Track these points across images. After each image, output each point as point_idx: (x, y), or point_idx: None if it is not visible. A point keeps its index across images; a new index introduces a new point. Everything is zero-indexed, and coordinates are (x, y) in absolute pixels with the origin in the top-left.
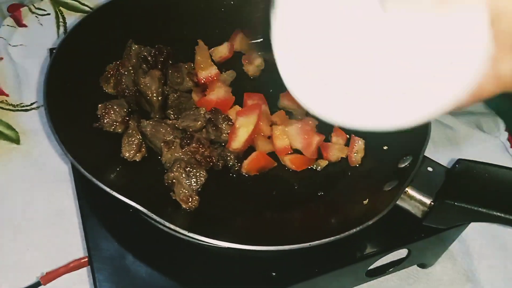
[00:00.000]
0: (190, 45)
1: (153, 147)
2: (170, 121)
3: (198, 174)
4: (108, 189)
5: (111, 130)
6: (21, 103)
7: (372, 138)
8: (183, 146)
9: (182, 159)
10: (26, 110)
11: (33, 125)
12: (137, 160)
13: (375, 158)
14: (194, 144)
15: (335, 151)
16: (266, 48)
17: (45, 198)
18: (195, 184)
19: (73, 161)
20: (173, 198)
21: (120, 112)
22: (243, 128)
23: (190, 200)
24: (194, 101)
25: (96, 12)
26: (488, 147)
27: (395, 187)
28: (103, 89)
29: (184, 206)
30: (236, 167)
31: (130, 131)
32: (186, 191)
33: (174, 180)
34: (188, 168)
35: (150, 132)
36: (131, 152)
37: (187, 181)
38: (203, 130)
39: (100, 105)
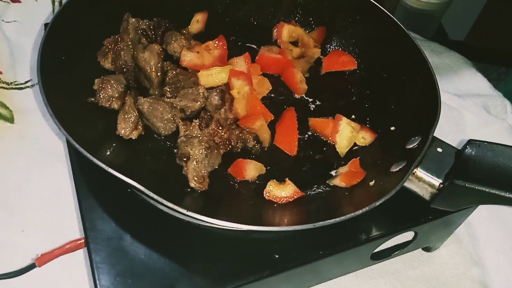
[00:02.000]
0: (190, 17)
1: (150, 125)
2: (168, 99)
3: (215, 157)
4: (105, 166)
5: (107, 105)
6: (15, 81)
7: (379, 119)
8: (201, 128)
9: (202, 139)
10: (21, 89)
11: (28, 104)
12: (133, 138)
13: (382, 139)
14: (213, 126)
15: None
16: None
17: (41, 178)
18: (208, 166)
19: (68, 136)
20: (183, 172)
21: (118, 88)
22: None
23: (202, 181)
24: (193, 80)
25: None
26: (496, 130)
27: (402, 168)
28: (101, 64)
29: (194, 185)
30: (256, 148)
31: (126, 108)
32: (204, 171)
33: (190, 156)
34: (209, 150)
35: (147, 110)
36: (127, 129)
37: (204, 162)
38: (222, 110)
39: (97, 80)
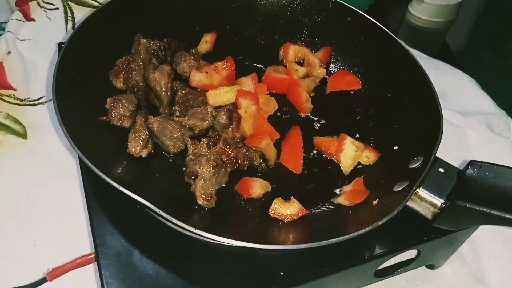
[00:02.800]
0: (199, 38)
1: (159, 143)
2: (177, 118)
3: (222, 175)
4: (115, 184)
5: (119, 124)
6: (28, 98)
7: (382, 138)
8: (209, 147)
9: (210, 157)
10: (34, 105)
11: (41, 120)
12: (143, 156)
13: (386, 158)
14: (220, 145)
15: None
16: None
17: (52, 193)
18: (215, 184)
19: (80, 155)
20: (191, 190)
21: (129, 107)
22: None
23: (210, 198)
24: (201, 99)
25: (106, 7)
26: (499, 148)
27: (405, 188)
28: (113, 84)
29: (201, 203)
30: (262, 166)
31: (136, 127)
32: (211, 189)
33: (198, 174)
34: (216, 169)
35: (157, 129)
36: (137, 147)
37: (212, 180)
38: (229, 129)
39: (109, 99)
